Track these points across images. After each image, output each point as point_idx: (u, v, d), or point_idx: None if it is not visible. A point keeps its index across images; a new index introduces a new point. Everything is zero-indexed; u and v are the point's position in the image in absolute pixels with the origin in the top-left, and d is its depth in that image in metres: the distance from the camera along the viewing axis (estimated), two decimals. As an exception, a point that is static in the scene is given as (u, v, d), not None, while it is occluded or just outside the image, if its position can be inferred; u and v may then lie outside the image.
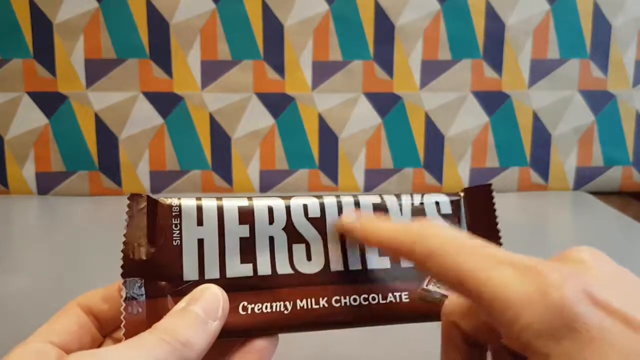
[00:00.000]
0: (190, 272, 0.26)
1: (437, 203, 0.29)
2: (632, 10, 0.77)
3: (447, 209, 0.29)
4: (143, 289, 0.25)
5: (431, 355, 0.41)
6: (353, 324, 0.26)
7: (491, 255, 0.21)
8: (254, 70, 0.75)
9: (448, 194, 0.29)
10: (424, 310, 0.27)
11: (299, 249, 0.27)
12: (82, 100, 0.75)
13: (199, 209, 0.27)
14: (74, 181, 0.77)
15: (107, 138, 0.76)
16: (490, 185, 0.29)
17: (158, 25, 0.74)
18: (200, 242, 0.26)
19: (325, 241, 0.27)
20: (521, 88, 0.78)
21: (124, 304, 0.24)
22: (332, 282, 0.27)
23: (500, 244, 0.28)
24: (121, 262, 0.25)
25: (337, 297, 0.26)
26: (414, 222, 0.24)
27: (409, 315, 0.27)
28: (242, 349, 0.25)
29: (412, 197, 0.29)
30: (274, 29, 0.75)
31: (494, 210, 0.29)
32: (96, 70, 0.74)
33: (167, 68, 0.75)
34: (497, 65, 0.77)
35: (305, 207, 0.27)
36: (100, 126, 0.75)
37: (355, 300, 0.26)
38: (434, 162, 0.79)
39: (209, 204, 0.27)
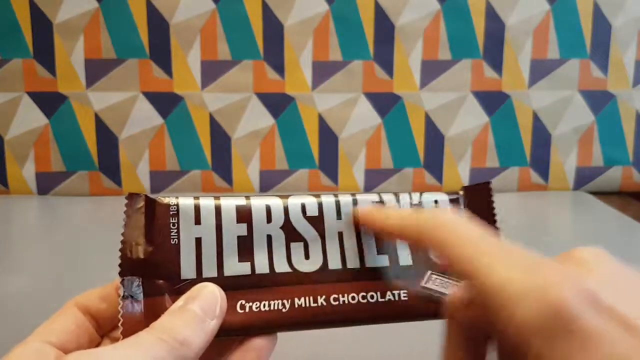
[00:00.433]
0: (188, 270, 0.26)
1: (435, 202, 0.29)
2: (632, 10, 0.77)
3: (446, 207, 0.29)
4: (141, 287, 0.25)
5: (430, 354, 0.41)
6: (351, 323, 0.26)
7: (497, 248, 0.21)
8: (254, 70, 0.75)
9: (447, 193, 0.29)
10: (422, 308, 0.27)
11: (297, 248, 0.27)
12: (82, 100, 0.75)
13: (197, 208, 0.27)
14: (74, 181, 0.77)
15: (107, 138, 0.76)
16: (489, 183, 0.29)
17: (158, 25, 0.74)
18: (198, 240, 0.26)
19: (323, 240, 0.27)
20: (521, 88, 0.78)
21: (121, 303, 0.24)
22: (330, 281, 0.27)
23: None
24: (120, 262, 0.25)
25: (335, 296, 0.26)
26: (425, 211, 0.24)
27: (408, 314, 0.27)
28: (240, 348, 0.25)
29: (410, 195, 0.29)
30: (274, 29, 0.75)
31: (493, 208, 0.29)
32: (96, 70, 0.74)
33: (167, 68, 0.75)
34: (497, 65, 0.77)
35: (303, 206, 0.28)
36: (100, 126, 0.75)
37: (353, 298, 0.26)
38: (434, 162, 0.79)
39: (207, 203, 0.27)
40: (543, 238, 0.65)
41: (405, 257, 0.27)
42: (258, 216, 0.27)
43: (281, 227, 0.27)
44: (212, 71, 0.75)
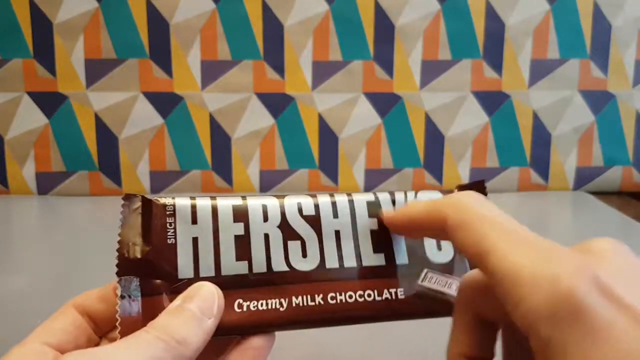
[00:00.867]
0: (185, 270, 0.26)
1: None
2: (632, 10, 0.77)
3: None
4: (138, 287, 0.25)
5: (428, 353, 0.41)
6: (349, 321, 0.27)
7: (515, 234, 0.21)
8: (254, 70, 0.75)
9: (442, 191, 0.29)
10: (419, 307, 0.27)
11: (294, 246, 0.27)
12: (82, 100, 0.75)
13: (193, 207, 0.27)
14: (74, 181, 0.77)
15: (107, 138, 0.76)
16: (483, 181, 0.29)
17: (158, 25, 0.74)
18: (195, 240, 0.26)
19: (320, 238, 0.27)
20: (521, 88, 0.78)
21: (119, 303, 0.24)
22: (327, 279, 0.27)
23: None
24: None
25: (333, 294, 0.26)
26: (450, 195, 0.24)
27: (405, 312, 0.27)
28: (238, 347, 0.25)
29: (406, 194, 0.29)
30: (274, 29, 0.75)
31: None
32: (96, 70, 0.74)
33: (167, 68, 0.75)
34: (497, 65, 0.77)
35: (299, 205, 0.28)
36: (100, 126, 0.75)
37: (350, 297, 0.26)
38: (434, 162, 0.79)
39: (203, 203, 0.27)
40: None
41: (401, 256, 0.28)
42: (255, 215, 0.27)
43: (278, 226, 0.27)
44: (212, 71, 0.75)
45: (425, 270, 0.27)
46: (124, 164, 0.76)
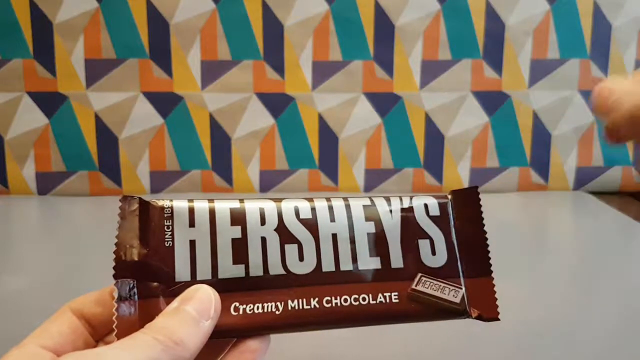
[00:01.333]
0: (182, 273, 0.26)
1: (425, 205, 0.29)
2: (632, 10, 0.77)
3: (435, 211, 0.29)
4: (135, 289, 0.25)
5: (429, 354, 0.41)
6: (343, 325, 0.27)
7: None
8: (254, 70, 0.75)
9: (436, 196, 0.29)
10: (413, 310, 0.27)
11: (291, 249, 0.27)
12: (82, 100, 0.75)
13: (191, 210, 0.27)
14: (74, 181, 0.77)
15: (107, 138, 0.76)
16: (476, 187, 0.29)
17: (158, 25, 0.74)
18: (192, 243, 0.26)
19: (317, 242, 0.27)
20: (521, 88, 0.78)
21: (116, 305, 0.24)
22: (323, 283, 0.27)
23: (487, 245, 0.28)
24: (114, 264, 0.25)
25: (328, 298, 0.26)
26: None
27: (399, 316, 0.27)
28: (234, 350, 0.25)
29: (401, 200, 0.29)
30: (274, 29, 0.75)
31: (481, 212, 0.29)
32: (96, 70, 0.74)
33: (167, 68, 0.75)
34: (497, 65, 0.77)
35: (296, 208, 0.28)
36: (100, 126, 0.75)
37: (345, 300, 0.26)
38: (434, 162, 0.79)
39: (201, 205, 0.27)
40: (543, 238, 0.66)
41: (396, 260, 0.28)
42: (252, 219, 0.27)
43: (275, 229, 0.27)
44: (212, 71, 0.75)
45: (419, 275, 0.27)
46: (124, 164, 0.76)
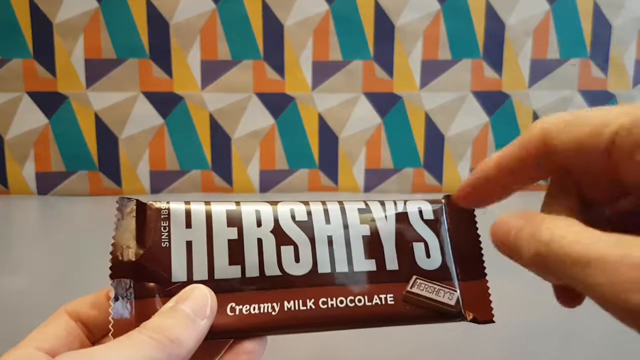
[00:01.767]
0: (178, 273, 0.26)
1: (420, 210, 0.29)
2: (632, 10, 0.77)
3: (429, 215, 0.29)
4: (131, 289, 0.25)
5: (429, 354, 0.41)
6: (339, 326, 0.27)
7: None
8: (254, 70, 0.75)
9: (430, 201, 0.30)
10: (408, 312, 0.27)
11: (287, 251, 0.27)
12: (82, 100, 0.75)
13: (188, 212, 0.27)
14: (74, 181, 0.77)
15: (107, 138, 0.76)
16: None
17: (158, 25, 0.74)
18: (189, 244, 0.26)
19: (313, 243, 0.27)
20: (521, 88, 0.78)
21: (112, 305, 0.24)
22: (319, 284, 0.27)
23: (481, 248, 0.28)
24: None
25: (324, 299, 0.26)
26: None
27: (395, 318, 0.27)
28: (231, 351, 0.25)
29: (395, 204, 0.29)
30: (274, 29, 0.75)
31: (474, 216, 0.29)
32: (96, 70, 0.74)
33: (167, 68, 0.75)
34: (497, 65, 0.77)
35: (292, 211, 0.28)
36: (100, 126, 0.75)
37: (341, 302, 0.27)
38: (434, 162, 0.79)
39: (198, 207, 0.27)
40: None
41: (391, 262, 0.28)
42: (248, 220, 0.27)
43: (271, 231, 0.27)
44: (212, 71, 0.75)
45: (414, 277, 0.28)
46: (124, 164, 0.76)
